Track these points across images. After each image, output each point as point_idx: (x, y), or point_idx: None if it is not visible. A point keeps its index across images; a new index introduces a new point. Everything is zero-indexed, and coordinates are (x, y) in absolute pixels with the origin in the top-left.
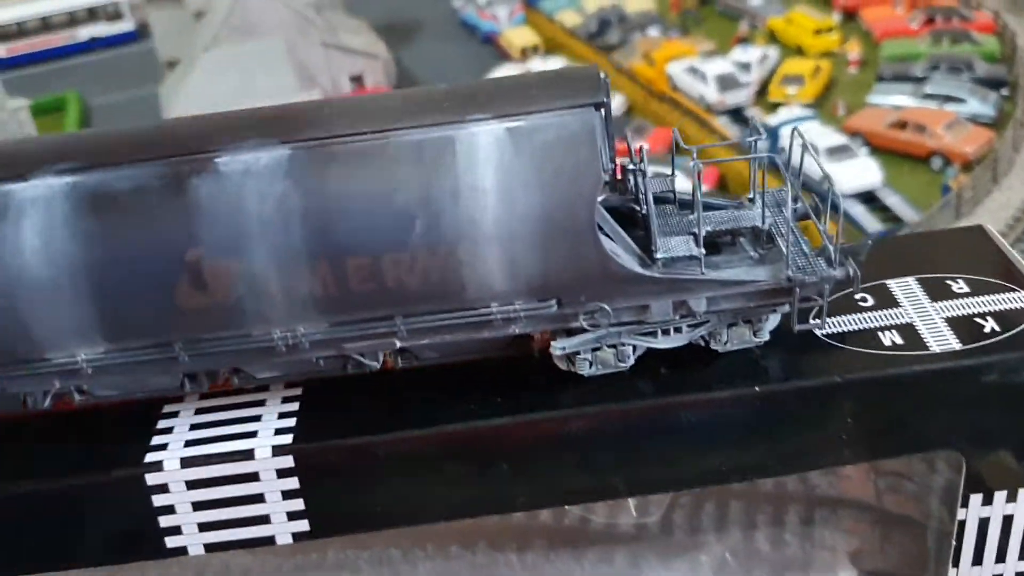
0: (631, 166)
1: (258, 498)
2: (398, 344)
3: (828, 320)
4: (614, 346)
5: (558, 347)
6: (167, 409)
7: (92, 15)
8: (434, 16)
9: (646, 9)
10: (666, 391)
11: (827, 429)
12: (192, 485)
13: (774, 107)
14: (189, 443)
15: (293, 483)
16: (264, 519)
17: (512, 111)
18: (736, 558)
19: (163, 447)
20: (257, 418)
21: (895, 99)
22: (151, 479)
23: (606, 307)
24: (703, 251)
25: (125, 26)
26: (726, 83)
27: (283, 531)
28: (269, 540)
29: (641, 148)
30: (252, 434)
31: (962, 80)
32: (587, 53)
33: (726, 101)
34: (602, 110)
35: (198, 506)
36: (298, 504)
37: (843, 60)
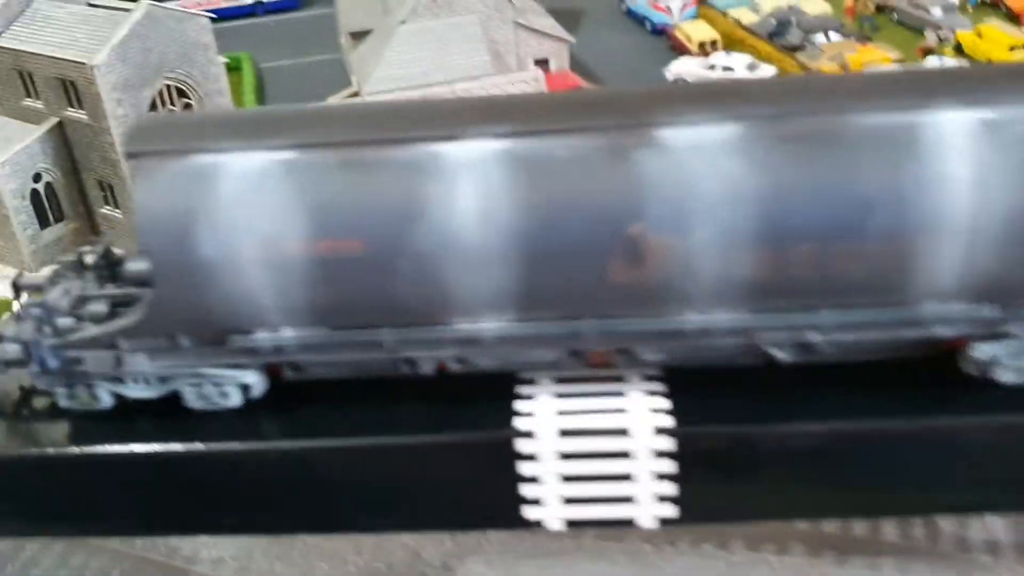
0: None
1: (626, 478)
2: (814, 338)
3: None
4: None
5: (985, 351)
6: (522, 375)
7: None
8: (596, 5)
9: (825, 13)
10: None
11: None
12: (563, 457)
13: None
14: (561, 413)
15: (669, 466)
16: (628, 499)
17: (982, 101)
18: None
19: (529, 415)
20: (622, 394)
21: None
22: (521, 446)
23: None
24: None
25: None
26: None
27: (647, 513)
28: (630, 522)
29: None
30: (624, 411)
31: None
32: (771, 52)
33: None
34: None
35: (565, 479)
36: (670, 488)
37: None
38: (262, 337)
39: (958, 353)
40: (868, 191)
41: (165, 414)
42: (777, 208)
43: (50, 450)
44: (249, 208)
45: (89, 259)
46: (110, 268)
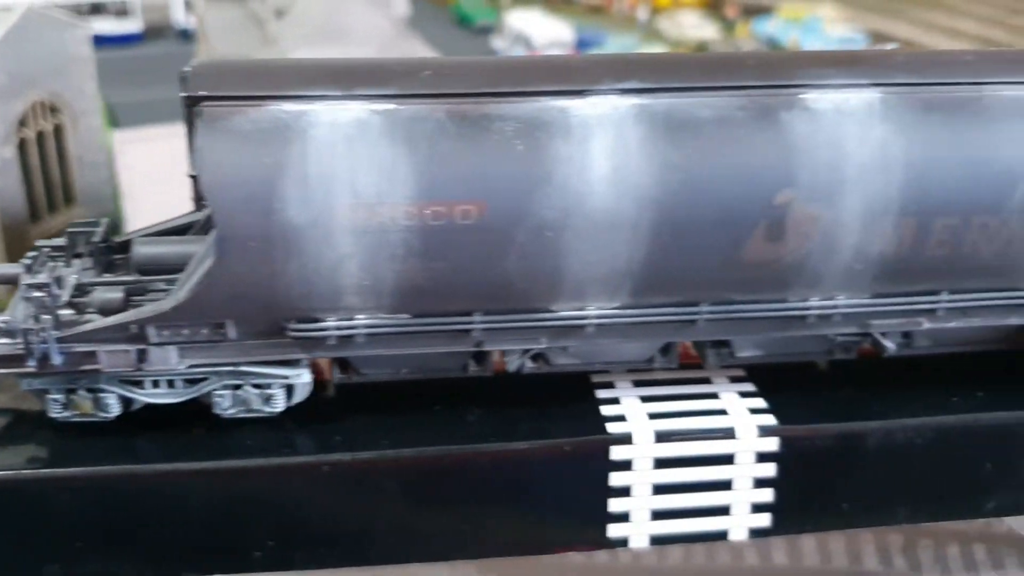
0: None
1: (725, 485)
2: (925, 325)
3: None
4: None
5: None
6: (598, 379)
7: (97, 9)
8: None
9: None
10: None
11: None
12: (659, 464)
13: None
14: (654, 416)
15: (770, 470)
16: (724, 510)
17: None
18: None
19: (621, 418)
20: (714, 395)
21: None
22: (615, 453)
23: None
24: None
25: (132, 26)
26: None
27: (741, 524)
28: (722, 535)
29: None
30: (723, 412)
31: None
32: None
33: None
34: None
35: (658, 489)
36: (767, 495)
37: None
38: (332, 325)
39: None
40: (1012, 166)
41: (178, 426)
42: (915, 182)
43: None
44: (344, 165)
45: (81, 244)
46: (107, 253)
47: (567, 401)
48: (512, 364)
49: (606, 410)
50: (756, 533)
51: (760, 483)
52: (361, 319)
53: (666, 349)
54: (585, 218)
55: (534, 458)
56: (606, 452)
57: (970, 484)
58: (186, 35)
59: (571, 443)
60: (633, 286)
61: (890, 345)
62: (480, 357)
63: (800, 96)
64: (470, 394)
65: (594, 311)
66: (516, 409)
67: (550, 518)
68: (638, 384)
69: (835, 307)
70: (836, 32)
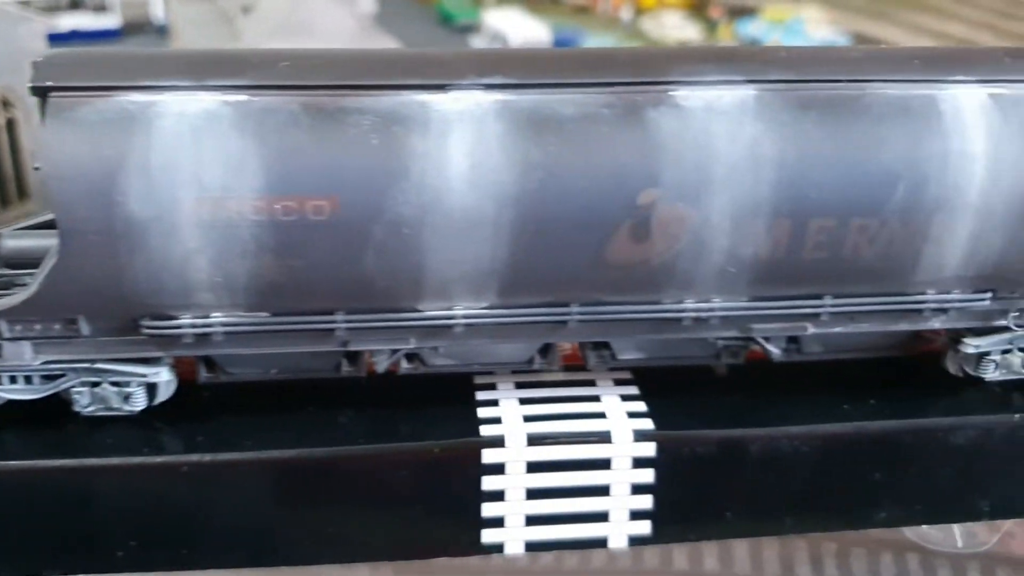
0: None
1: (602, 490)
2: (811, 329)
3: None
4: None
5: (972, 345)
6: (480, 381)
7: (75, 4)
8: None
9: None
10: None
11: None
12: (533, 468)
13: None
14: (529, 419)
15: (648, 476)
16: (602, 516)
17: (992, 77)
18: None
19: (496, 421)
20: (596, 398)
21: None
22: (487, 456)
23: None
24: None
25: (110, 21)
26: None
27: (620, 532)
28: (601, 542)
29: None
30: (601, 415)
31: None
32: None
33: None
34: None
35: (532, 494)
36: (646, 502)
37: None
38: (187, 323)
39: (940, 354)
40: (891, 166)
41: (39, 423)
42: (790, 181)
43: None
44: (190, 157)
45: None
46: None
47: (446, 403)
48: (381, 365)
49: (483, 412)
50: (636, 541)
51: (638, 489)
52: (217, 317)
53: (545, 350)
54: (444, 215)
55: (403, 461)
56: (478, 455)
57: (859, 494)
58: (164, 31)
59: (441, 446)
60: (500, 286)
61: (775, 350)
62: (353, 357)
63: (670, 93)
64: (347, 395)
65: (462, 311)
66: (392, 411)
67: (422, 523)
68: (521, 386)
69: (711, 310)
70: (818, 34)
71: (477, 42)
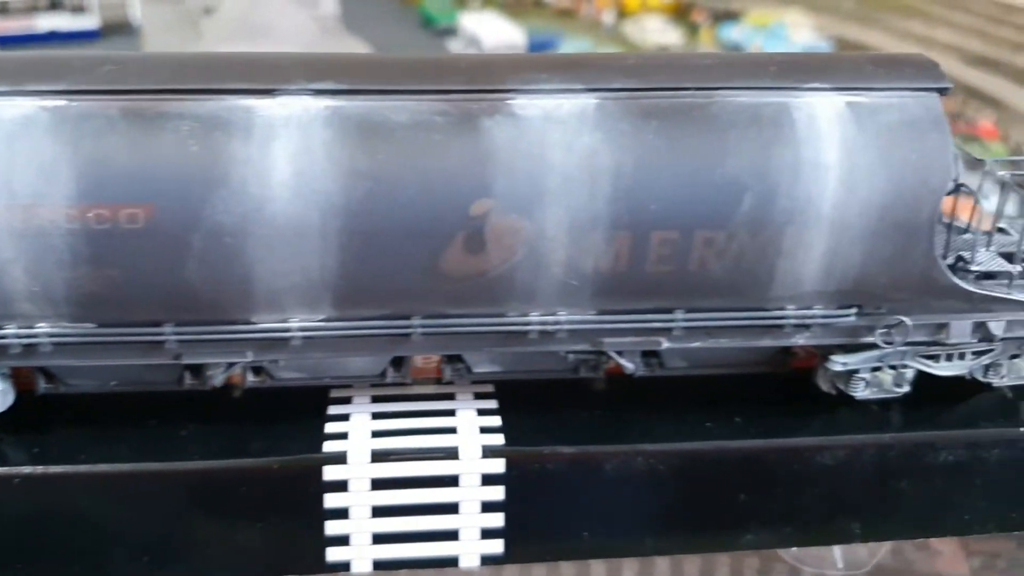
0: None
1: (452, 508)
2: (664, 344)
3: None
4: (894, 367)
5: (839, 362)
6: (336, 394)
7: (54, 5)
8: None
9: None
10: (945, 424)
11: None
12: (377, 485)
13: None
14: (377, 434)
15: (498, 493)
16: (452, 535)
17: (851, 85)
18: None
19: (342, 436)
20: (451, 412)
21: None
22: (329, 473)
23: (907, 321)
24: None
25: (88, 22)
26: None
27: (471, 551)
28: (452, 561)
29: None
30: (452, 430)
31: None
32: None
33: None
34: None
35: (378, 512)
36: (497, 520)
37: None
38: (11, 332)
39: (812, 370)
40: (738, 176)
41: None
42: (633, 191)
43: None
44: (3, 164)
45: None
46: None
47: (295, 417)
48: (217, 379)
49: (331, 427)
50: (488, 560)
51: (488, 507)
52: (42, 327)
53: (399, 363)
54: (267, 225)
55: (243, 477)
56: (319, 472)
57: (724, 516)
58: (141, 32)
59: (280, 462)
60: (334, 297)
61: (629, 365)
62: (196, 370)
63: (508, 102)
64: (192, 410)
65: (297, 323)
66: (238, 426)
67: (265, 540)
68: (377, 400)
69: (557, 323)
70: (801, 39)
71: (455, 45)
